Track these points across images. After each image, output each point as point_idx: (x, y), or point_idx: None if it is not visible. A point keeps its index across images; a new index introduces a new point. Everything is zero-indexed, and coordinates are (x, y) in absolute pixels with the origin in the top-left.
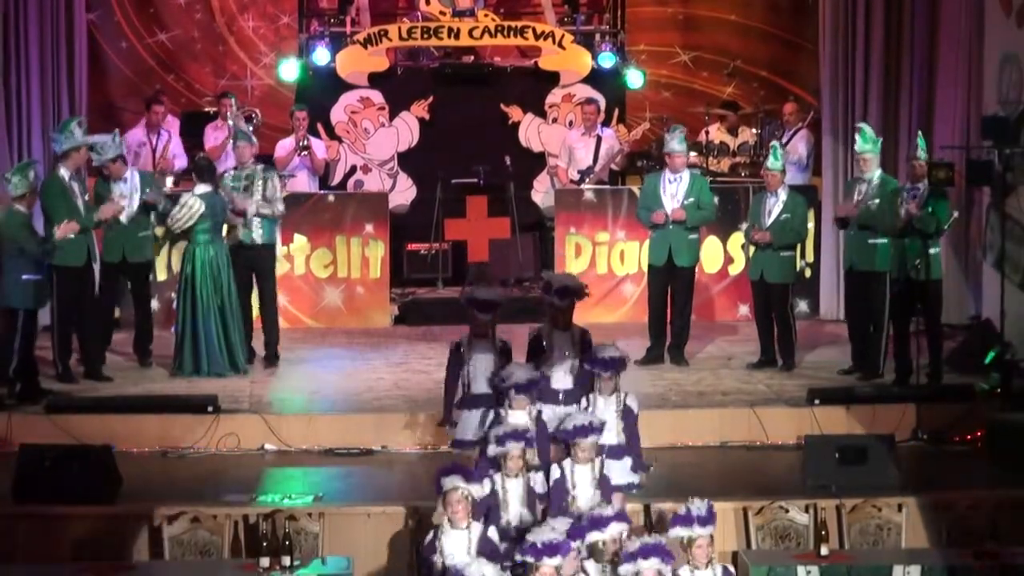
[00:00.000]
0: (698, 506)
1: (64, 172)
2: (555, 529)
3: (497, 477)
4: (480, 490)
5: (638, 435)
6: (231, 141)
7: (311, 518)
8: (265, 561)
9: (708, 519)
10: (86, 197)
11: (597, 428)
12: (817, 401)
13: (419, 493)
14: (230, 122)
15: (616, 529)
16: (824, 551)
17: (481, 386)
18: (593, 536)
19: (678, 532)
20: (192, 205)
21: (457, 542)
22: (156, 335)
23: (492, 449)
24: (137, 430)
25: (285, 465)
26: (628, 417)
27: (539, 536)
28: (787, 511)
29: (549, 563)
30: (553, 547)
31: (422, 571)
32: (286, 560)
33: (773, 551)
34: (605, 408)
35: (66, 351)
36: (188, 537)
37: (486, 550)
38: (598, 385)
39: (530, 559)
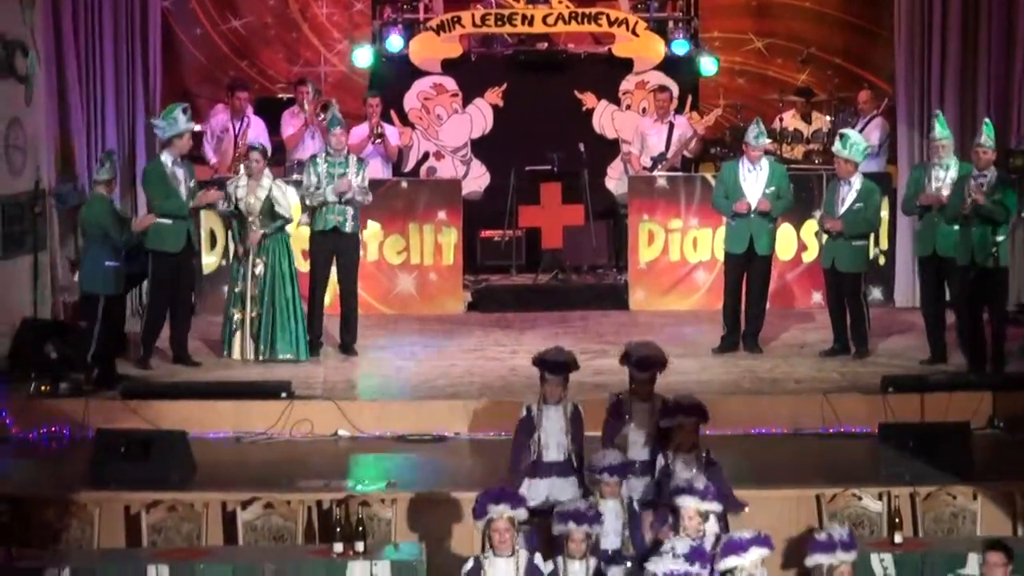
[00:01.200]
0: (840, 532)
1: (167, 158)
2: (677, 556)
3: (559, 559)
4: (525, 514)
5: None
6: (310, 128)
7: (384, 504)
8: (338, 547)
9: (851, 544)
10: (191, 183)
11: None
12: (891, 389)
13: (491, 479)
14: (306, 109)
15: (756, 554)
16: (898, 539)
17: (552, 453)
18: (730, 562)
19: (818, 559)
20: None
21: (503, 572)
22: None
23: (555, 528)
24: (211, 416)
25: (358, 451)
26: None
27: (660, 566)
28: (860, 499)
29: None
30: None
31: None
32: (359, 545)
33: None
34: (685, 468)
35: (151, 335)
36: (262, 523)
37: None
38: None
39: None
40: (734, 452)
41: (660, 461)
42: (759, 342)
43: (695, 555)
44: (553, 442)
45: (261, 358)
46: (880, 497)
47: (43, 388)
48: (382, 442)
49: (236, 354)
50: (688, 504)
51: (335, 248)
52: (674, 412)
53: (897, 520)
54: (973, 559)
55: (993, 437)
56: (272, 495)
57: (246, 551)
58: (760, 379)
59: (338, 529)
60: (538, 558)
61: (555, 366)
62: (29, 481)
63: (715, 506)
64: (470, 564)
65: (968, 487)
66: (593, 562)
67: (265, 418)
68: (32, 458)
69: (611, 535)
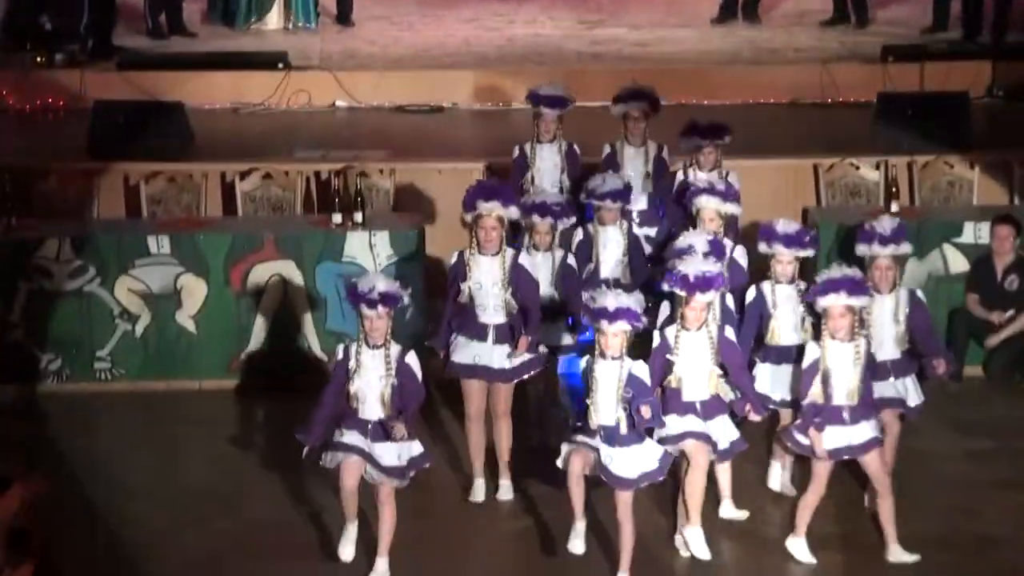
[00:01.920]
0: (885, 224)
1: None
2: (707, 259)
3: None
4: (517, 212)
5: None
6: None
7: (382, 175)
8: (337, 217)
9: (895, 236)
10: None
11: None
12: (891, 58)
13: (489, 150)
14: None
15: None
16: (894, 207)
17: (546, 183)
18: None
19: (862, 250)
20: None
21: (487, 270)
22: None
23: (523, 219)
24: (209, 87)
25: (356, 122)
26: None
27: (691, 267)
28: (858, 168)
29: (701, 299)
30: (708, 280)
31: (450, 292)
32: (358, 216)
33: (843, 208)
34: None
35: (158, 5)
36: (260, 193)
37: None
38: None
39: (679, 291)
40: (733, 123)
41: (680, 176)
42: (758, 12)
43: (715, 250)
44: (547, 181)
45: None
46: (877, 166)
47: (39, 59)
48: (380, 112)
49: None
50: (708, 204)
51: None
52: (691, 132)
53: (894, 189)
54: (969, 228)
55: (992, 106)
56: (271, 165)
57: (245, 221)
58: (759, 49)
59: (337, 199)
60: (524, 257)
61: (551, 100)
62: (28, 152)
63: (735, 208)
64: (454, 258)
65: (965, 156)
66: (559, 254)
67: (262, 89)
68: (30, 129)
69: (611, 263)
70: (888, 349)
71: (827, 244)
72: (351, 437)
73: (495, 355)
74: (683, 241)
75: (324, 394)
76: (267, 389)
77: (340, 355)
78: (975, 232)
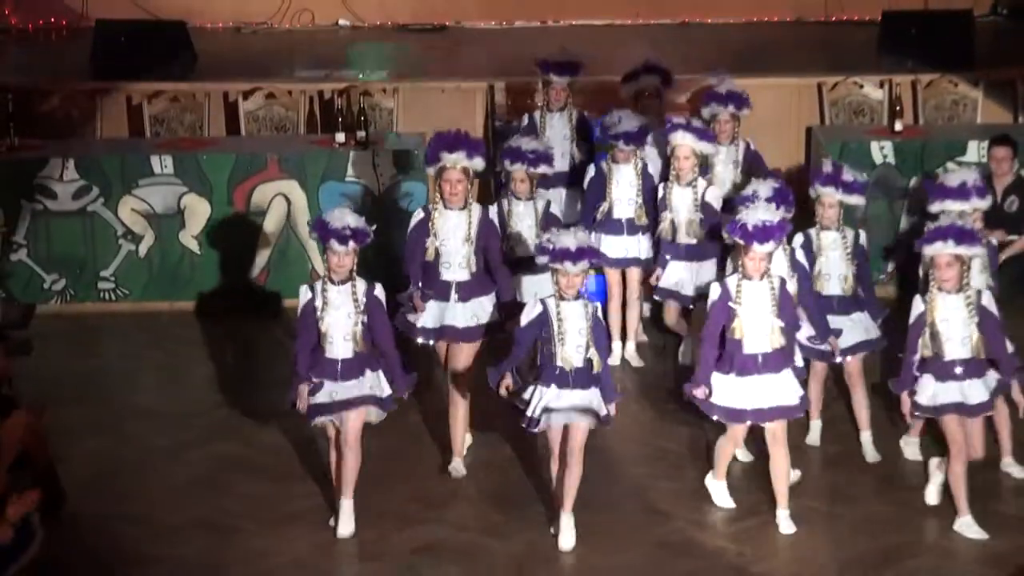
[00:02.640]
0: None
1: None
2: (769, 206)
3: (506, 200)
4: (482, 163)
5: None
6: None
7: (385, 94)
8: (340, 136)
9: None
10: None
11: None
12: None
13: (493, 69)
14: None
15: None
16: (898, 126)
17: (557, 163)
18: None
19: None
20: None
21: (453, 225)
22: None
23: (501, 165)
24: (211, 5)
25: (360, 41)
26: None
27: (751, 216)
28: (862, 87)
29: (760, 249)
30: (768, 230)
31: (414, 251)
32: (361, 135)
33: (847, 127)
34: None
35: None
36: (264, 112)
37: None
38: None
39: (739, 240)
40: (736, 41)
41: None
42: None
43: (779, 198)
44: (558, 151)
45: None
46: (881, 85)
47: None
48: (383, 31)
49: None
50: (684, 142)
51: None
52: (708, 99)
53: (898, 108)
54: (973, 147)
55: (996, 24)
56: (274, 85)
57: (248, 141)
58: None
59: (340, 119)
60: (492, 211)
61: (561, 67)
62: (30, 72)
63: (708, 147)
64: (419, 215)
65: (969, 74)
66: (541, 204)
67: (265, 8)
68: (32, 49)
69: (623, 203)
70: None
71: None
72: (324, 392)
73: (459, 313)
74: (748, 189)
75: (297, 343)
76: (270, 310)
77: (306, 295)
78: (979, 151)
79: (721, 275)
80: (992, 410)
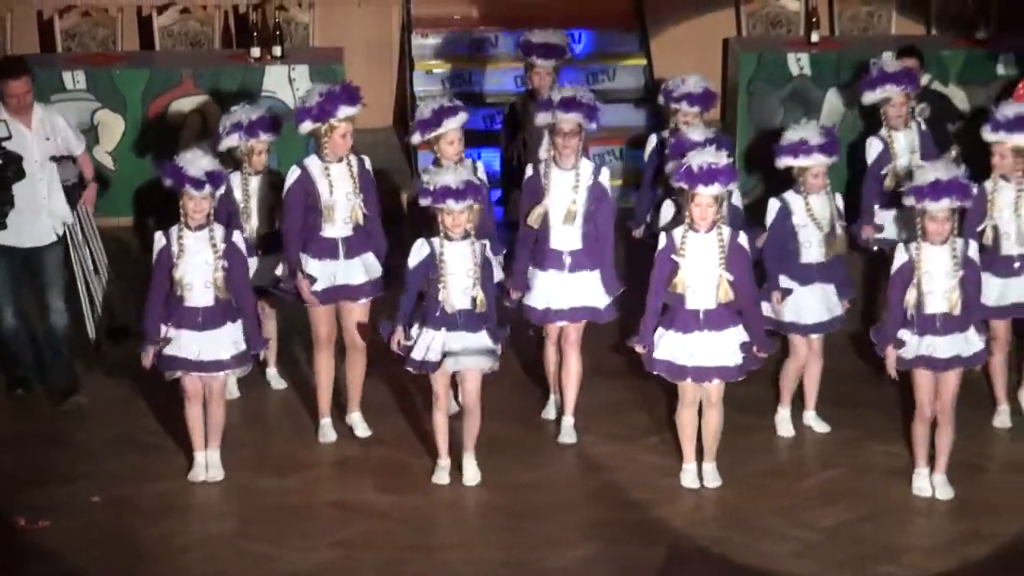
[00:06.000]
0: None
1: None
2: (717, 151)
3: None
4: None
5: None
6: None
7: (301, 8)
8: (256, 51)
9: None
10: None
11: None
12: None
13: None
14: None
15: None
16: (814, 38)
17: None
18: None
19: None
20: None
21: (339, 179)
22: None
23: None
24: None
25: None
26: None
27: (698, 158)
28: None
29: (706, 192)
30: (713, 173)
31: (294, 212)
32: (277, 50)
33: (764, 38)
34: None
35: None
36: (178, 27)
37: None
38: None
39: (684, 185)
40: None
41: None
42: None
43: (718, 142)
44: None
45: None
46: None
47: None
48: None
49: None
50: (566, 117)
51: None
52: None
53: (814, 19)
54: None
55: None
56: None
57: (163, 56)
58: None
59: (255, 34)
60: (368, 162)
61: (545, 50)
62: None
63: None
64: (295, 173)
65: None
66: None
67: None
68: None
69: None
70: (1016, 242)
71: (747, 75)
72: (181, 344)
73: (350, 271)
74: (686, 136)
75: (150, 294)
76: None
77: (160, 241)
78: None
79: None
80: (967, 365)
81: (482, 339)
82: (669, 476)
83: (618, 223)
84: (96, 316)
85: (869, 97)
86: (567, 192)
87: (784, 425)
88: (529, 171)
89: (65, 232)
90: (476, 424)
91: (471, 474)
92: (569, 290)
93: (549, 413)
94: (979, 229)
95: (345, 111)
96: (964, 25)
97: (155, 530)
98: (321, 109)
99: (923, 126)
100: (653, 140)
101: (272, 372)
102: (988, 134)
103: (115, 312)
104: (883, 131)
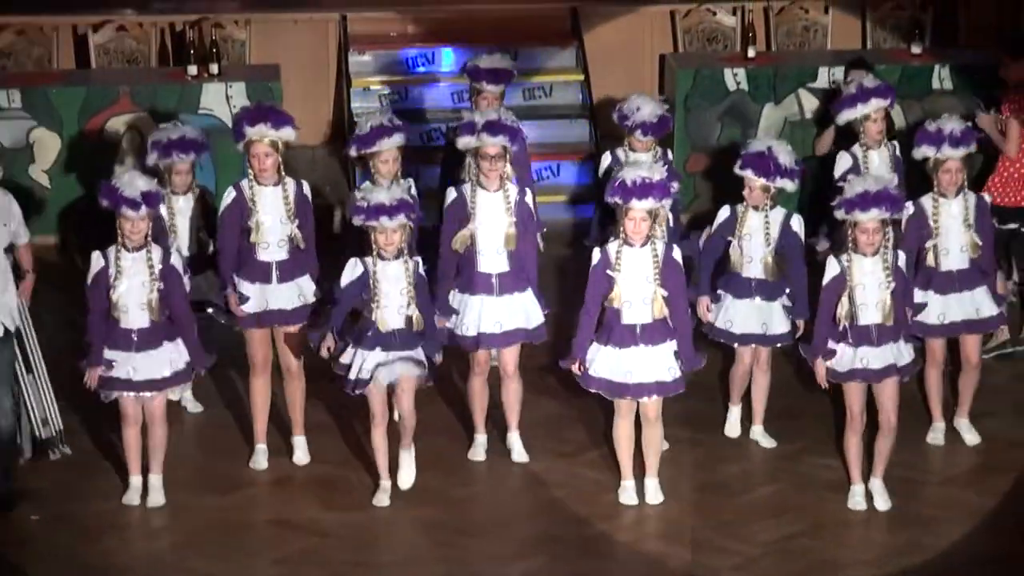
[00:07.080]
0: (954, 124)
1: None
2: (651, 167)
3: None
4: (292, 133)
5: None
6: None
7: (238, 25)
8: (193, 69)
9: (966, 138)
10: None
11: None
12: None
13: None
14: None
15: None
16: (751, 53)
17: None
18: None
19: (924, 151)
20: None
21: (270, 202)
22: None
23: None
24: None
25: None
26: None
27: (632, 173)
28: (715, 14)
29: (640, 206)
30: (647, 187)
31: (227, 235)
32: (214, 68)
33: (700, 54)
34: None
35: None
36: (115, 45)
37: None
38: None
39: (618, 200)
40: None
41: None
42: None
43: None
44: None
45: None
46: (734, 12)
47: None
48: None
49: None
50: (487, 140)
51: None
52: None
53: (751, 35)
54: (823, 72)
55: None
56: (124, 17)
57: (99, 74)
58: None
59: (192, 51)
60: (307, 187)
61: (493, 75)
62: None
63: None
64: (230, 195)
65: (820, 1)
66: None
67: None
68: None
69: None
70: (956, 258)
71: (684, 90)
72: (120, 366)
73: (283, 295)
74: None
75: (90, 317)
76: None
77: (99, 262)
78: (830, 76)
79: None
80: (901, 375)
81: (416, 352)
82: (610, 491)
83: (559, 238)
84: (31, 421)
85: (848, 115)
86: (500, 215)
87: (732, 427)
88: (452, 194)
89: (16, 329)
90: (412, 423)
91: (407, 476)
92: (500, 313)
93: (478, 454)
94: (928, 245)
95: (253, 131)
96: (899, 39)
97: (97, 548)
98: (236, 127)
99: (897, 150)
100: (608, 158)
101: (187, 395)
102: (930, 151)
103: (47, 418)
104: (856, 147)
